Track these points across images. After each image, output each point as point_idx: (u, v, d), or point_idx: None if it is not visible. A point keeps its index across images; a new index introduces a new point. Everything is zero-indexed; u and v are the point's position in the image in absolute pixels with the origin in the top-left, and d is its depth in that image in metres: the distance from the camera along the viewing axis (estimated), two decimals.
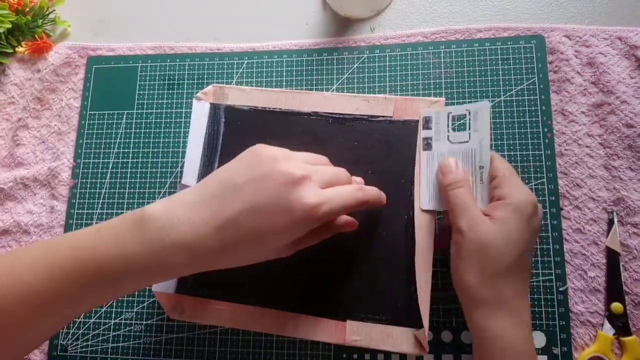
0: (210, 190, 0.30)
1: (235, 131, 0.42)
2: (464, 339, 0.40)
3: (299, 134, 0.42)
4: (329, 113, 0.41)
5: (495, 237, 0.32)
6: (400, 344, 0.36)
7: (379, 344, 0.36)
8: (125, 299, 0.44)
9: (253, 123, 0.42)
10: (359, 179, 0.37)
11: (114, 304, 0.44)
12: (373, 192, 0.35)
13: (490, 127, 0.37)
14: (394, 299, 0.37)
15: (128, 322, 0.44)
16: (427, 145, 0.39)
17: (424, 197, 0.38)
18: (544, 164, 0.42)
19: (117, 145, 0.49)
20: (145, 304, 0.44)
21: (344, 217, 0.35)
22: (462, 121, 0.38)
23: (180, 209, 0.29)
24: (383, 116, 0.41)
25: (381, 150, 0.40)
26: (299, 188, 0.29)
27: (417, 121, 0.40)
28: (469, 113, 0.37)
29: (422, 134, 0.39)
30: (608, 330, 0.39)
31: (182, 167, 0.47)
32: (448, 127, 0.39)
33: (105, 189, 0.48)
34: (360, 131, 0.41)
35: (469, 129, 0.37)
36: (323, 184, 0.31)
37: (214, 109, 0.43)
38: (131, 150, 0.48)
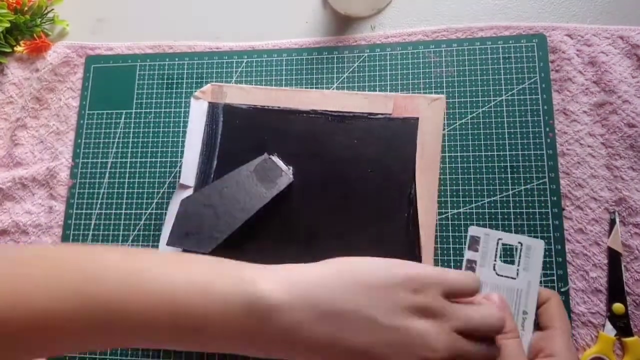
0: (332, 283, 0.27)
1: (233, 130, 0.42)
2: None
3: (298, 133, 0.41)
4: (328, 111, 0.41)
5: None
6: None
7: None
8: None
9: (252, 122, 0.42)
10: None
11: None
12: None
13: (541, 270, 0.35)
14: None
15: None
16: (470, 269, 0.36)
17: None
18: (545, 163, 0.42)
19: (116, 145, 0.48)
20: None
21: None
22: (511, 254, 0.35)
23: (309, 310, 0.26)
24: (382, 114, 0.41)
25: (380, 148, 0.40)
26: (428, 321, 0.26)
27: (417, 119, 0.40)
28: (521, 246, 0.35)
29: (467, 254, 0.36)
30: (609, 331, 0.39)
31: (180, 167, 0.47)
32: (496, 255, 0.36)
33: (104, 189, 0.47)
34: (360, 129, 0.41)
35: (518, 265, 0.35)
36: (460, 328, 0.27)
37: (212, 107, 0.43)
38: (130, 149, 0.48)
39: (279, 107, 0.42)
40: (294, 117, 0.42)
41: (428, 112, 0.41)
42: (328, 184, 0.40)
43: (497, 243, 0.36)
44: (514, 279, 0.35)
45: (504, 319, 0.29)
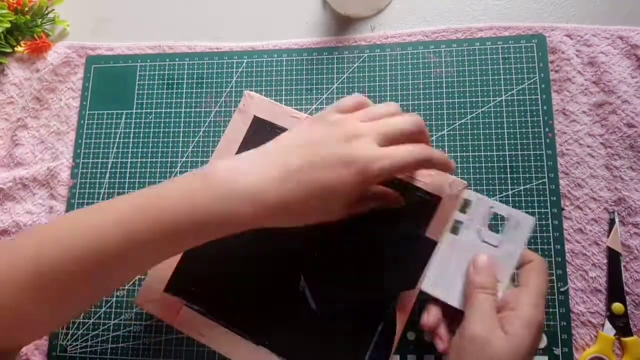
0: (274, 149, 0.33)
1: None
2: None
3: None
4: None
5: (507, 356, 0.30)
6: None
7: None
8: (125, 299, 0.44)
9: None
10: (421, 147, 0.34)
11: (114, 304, 0.44)
12: (437, 153, 0.34)
13: (524, 245, 0.34)
14: None
15: (127, 322, 0.44)
16: (455, 229, 0.36)
17: (429, 279, 0.35)
18: (545, 163, 0.42)
19: (116, 145, 0.48)
20: None
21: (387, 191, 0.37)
22: (500, 223, 0.35)
23: (246, 164, 0.32)
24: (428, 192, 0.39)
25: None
26: (356, 144, 0.31)
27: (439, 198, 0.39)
28: (510, 218, 0.35)
29: (455, 214, 0.36)
30: (609, 331, 0.39)
31: (182, 166, 0.47)
32: (484, 220, 0.36)
33: (105, 189, 0.47)
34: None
35: (503, 235, 0.35)
36: (383, 141, 0.32)
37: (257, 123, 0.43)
38: (130, 150, 0.48)
39: None
40: None
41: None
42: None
43: (488, 211, 0.36)
44: (495, 247, 0.35)
45: (421, 124, 0.34)
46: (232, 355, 0.38)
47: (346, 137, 0.31)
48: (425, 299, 0.36)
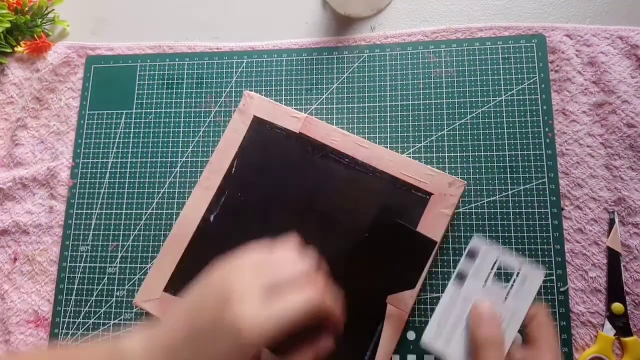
0: (172, 336, 0.28)
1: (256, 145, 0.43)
2: None
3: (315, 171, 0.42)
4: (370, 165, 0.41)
5: None
6: None
7: None
8: (125, 299, 0.44)
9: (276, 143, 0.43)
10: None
11: (113, 304, 0.44)
12: (335, 310, 0.29)
13: (532, 302, 0.32)
14: None
15: (127, 322, 0.44)
16: (460, 278, 0.34)
17: (430, 332, 0.33)
18: (544, 163, 0.42)
19: (116, 145, 0.48)
20: None
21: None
22: (507, 275, 0.34)
23: (150, 353, 0.27)
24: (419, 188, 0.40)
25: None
26: (234, 305, 0.25)
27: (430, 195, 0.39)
28: (519, 272, 0.33)
29: (461, 263, 0.34)
30: (609, 331, 0.39)
31: (182, 166, 0.47)
32: (491, 271, 0.33)
33: (105, 189, 0.47)
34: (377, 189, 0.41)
35: (511, 288, 0.33)
36: (273, 289, 0.27)
37: (258, 124, 0.43)
38: (130, 150, 0.48)
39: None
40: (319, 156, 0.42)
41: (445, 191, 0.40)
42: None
43: (496, 261, 0.34)
44: (502, 302, 0.33)
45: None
46: None
47: (228, 297, 0.26)
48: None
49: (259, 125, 0.43)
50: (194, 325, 0.26)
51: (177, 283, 0.41)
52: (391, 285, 0.38)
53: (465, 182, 0.40)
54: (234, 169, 0.42)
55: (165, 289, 0.41)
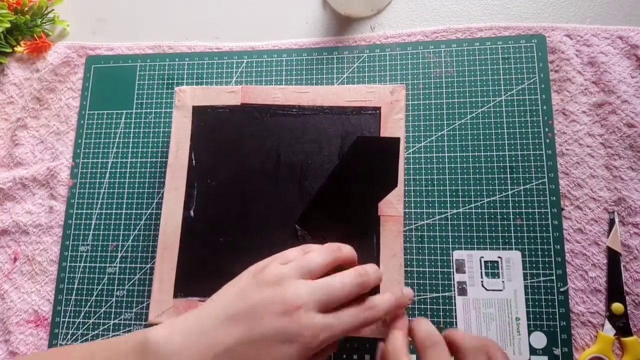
0: (208, 318, 0.31)
1: (204, 131, 0.44)
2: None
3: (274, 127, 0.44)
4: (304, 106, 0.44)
5: None
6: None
7: None
8: (125, 299, 0.44)
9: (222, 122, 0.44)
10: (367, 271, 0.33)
11: (114, 304, 0.44)
12: (381, 309, 0.32)
13: (522, 277, 0.39)
14: None
15: (127, 322, 0.44)
16: (462, 290, 0.40)
17: None
18: (544, 163, 0.42)
19: (116, 145, 0.48)
20: (144, 305, 0.44)
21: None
22: (495, 269, 0.40)
23: (180, 338, 0.30)
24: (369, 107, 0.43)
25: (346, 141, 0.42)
26: (295, 318, 0.29)
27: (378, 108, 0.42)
28: (501, 260, 0.39)
29: (455, 277, 0.40)
30: (609, 331, 0.39)
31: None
32: (482, 272, 0.40)
33: (105, 189, 0.47)
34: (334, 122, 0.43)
35: (502, 277, 0.39)
36: (325, 305, 0.30)
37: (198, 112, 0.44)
38: (130, 150, 0.48)
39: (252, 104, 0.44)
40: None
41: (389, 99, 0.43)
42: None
43: (480, 262, 0.40)
44: (501, 290, 0.39)
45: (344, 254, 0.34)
46: None
47: (285, 310, 0.29)
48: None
49: (200, 114, 0.44)
50: (248, 332, 0.29)
51: (184, 285, 0.41)
52: (376, 193, 0.40)
53: (404, 84, 0.44)
54: (194, 162, 0.43)
55: (175, 296, 0.41)
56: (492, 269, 0.40)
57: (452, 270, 0.41)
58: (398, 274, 0.38)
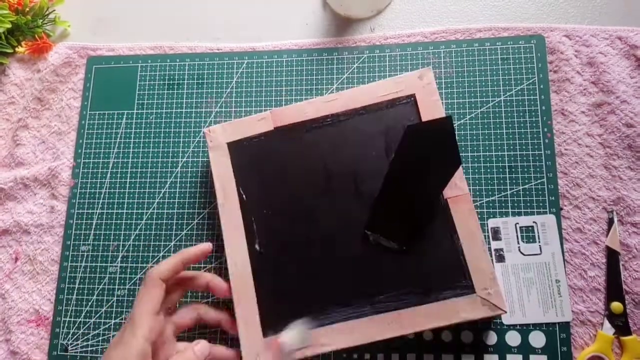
0: None
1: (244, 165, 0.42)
2: (464, 338, 0.40)
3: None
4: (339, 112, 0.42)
5: None
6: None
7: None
8: (125, 299, 0.44)
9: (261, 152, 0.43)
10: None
11: (114, 304, 0.44)
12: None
13: (562, 238, 0.40)
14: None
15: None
16: (500, 257, 0.41)
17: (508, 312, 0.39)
18: (544, 163, 0.42)
19: (117, 145, 0.49)
20: None
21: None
22: (530, 233, 0.41)
23: None
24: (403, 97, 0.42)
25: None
26: None
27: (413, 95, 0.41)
28: (536, 225, 0.40)
29: (492, 245, 0.41)
30: (608, 330, 0.39)
31: (182, 166, 0.47)
32: (518, 238, 0.41)
33: (105, 189, 0.48)
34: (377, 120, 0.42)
35: (539, 241, 0.40)
36: None
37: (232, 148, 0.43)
38: (131, 150, 0.48)
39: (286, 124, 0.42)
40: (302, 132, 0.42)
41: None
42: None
43: (516, 228, 0.40)
44: (539, 254, 0.40)
45: None
46: (367, 337, 0.37)
47: None
48: None
49: (237, 148, 0.42)
50: None
51: (271, 322, 0.38)
52: (441, 176, 0.38)
53: (430, 67, 0.42)
54: (244, 196, 0.42)
55: (265, 335, 0.38)
56: (527, 233, 0.41)
57: (488, 238, 0.41)
58: (483, 250, 0.37)
